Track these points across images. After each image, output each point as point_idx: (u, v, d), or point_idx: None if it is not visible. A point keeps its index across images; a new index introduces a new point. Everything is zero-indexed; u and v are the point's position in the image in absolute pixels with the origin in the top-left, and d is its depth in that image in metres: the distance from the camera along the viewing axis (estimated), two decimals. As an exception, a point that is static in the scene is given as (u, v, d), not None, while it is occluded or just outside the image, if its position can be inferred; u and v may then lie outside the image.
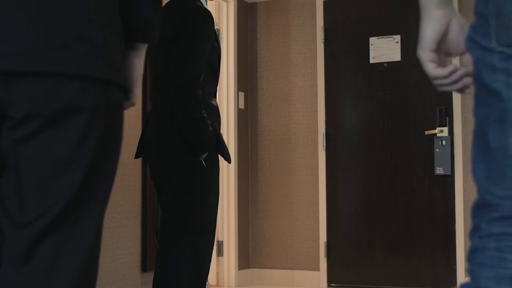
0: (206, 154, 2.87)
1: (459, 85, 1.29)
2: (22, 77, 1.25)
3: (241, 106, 5.51)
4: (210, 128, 2.85)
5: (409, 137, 5.10)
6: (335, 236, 5.28)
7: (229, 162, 3.00)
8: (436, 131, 4.97)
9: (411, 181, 5.07)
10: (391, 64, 5.19)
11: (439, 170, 4.97)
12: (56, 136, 1.29)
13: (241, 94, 5.52)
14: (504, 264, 1.14)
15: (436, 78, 1.28)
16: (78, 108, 1.28)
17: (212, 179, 2.93)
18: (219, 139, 2.92)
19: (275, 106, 5.57)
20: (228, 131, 5.34)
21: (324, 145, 5.34)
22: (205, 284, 2.92)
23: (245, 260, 5.46)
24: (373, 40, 5.24)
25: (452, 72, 1.27)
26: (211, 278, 5.26)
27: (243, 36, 5.61)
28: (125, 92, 1.41)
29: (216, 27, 5.42)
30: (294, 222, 5.41)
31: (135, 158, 3.12)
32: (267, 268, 5.47)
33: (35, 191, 1.30)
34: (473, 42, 1.18)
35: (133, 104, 1.46)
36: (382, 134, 5.19)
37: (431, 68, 1.26)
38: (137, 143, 3.06)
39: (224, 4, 5.44)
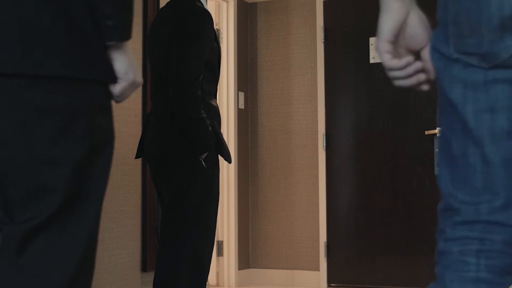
0: (205, 154, 2.87)
1: (414, 79, 1.29)
2: None
3: (241, 106, 5.51)
4: (210, 128, 2.86)
5: (409, 137, 5.10)
6: (335, 236, 5.28)
7: (229, 162, 3.00)
8: (436, 131, 4.97)
9: (411, 181, 5.07)
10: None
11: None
12: (32, 136, 1.29)
13: (241, 94, 5.52)
14: (467, 268, 1.17)
15: (391, 69, 1.28)
16: (49, 108, 1.29)
17: (212, 179, 2.93)
18: (219, 139, 2.92)
19: (275, 106, 5.57)
20: (228, 131, 5.34)
21: (324, 145, 5.34)
22: (205, 284, 2.92)
23: (245, 260, 5.46)
24: (373, 40, 5.24)
25: (408, 64, 1.27)
26: (211, 278, 5.26)
27: (243, 36, 5.61)
28: (108, 88, 1.41)
29: (216, 27, 5.42)
30: (294, 222, 5.41)
31: (136, 158, 3.13)
32: (267, 268, 5.47)
33: (21, 192, 1.30)
34: (434, 50, 1.20)
35: (121, 99, 1.46)
36: (382, 134, 5.19)
37: (387, 58, 1.27)
38: (137, 143, 3.06)
39: (224, 4, 5.44)
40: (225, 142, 2.99)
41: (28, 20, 1.28)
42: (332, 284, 5.27)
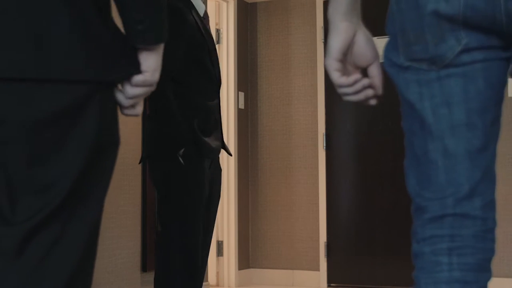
0: (182, 150, 2.85)
1: (362, 95, 1.36)
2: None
3: (241, 106, 5.51)
4: (183, 125, 2.84)
5: (409, 137, 5.10)
6: (335, 236, 5.28)
7: (209, 157, 2.93)
8: (436, 131, 4.97)
9: (411, 181, 5.06)
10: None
11: (439, 170, 4.97)
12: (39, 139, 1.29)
13: (241, 94, 5.52)
14: (439, 268, 1.19)
15: (341, 86, 1.34)
16: (57, 110, 1.29)
17: (193, 175, 2.89)
18: (195, 135, 2.87)
19: (275, 106, 5.57)
20: (228, 131, 5.34)
21: (324, 145, 5.34)
22: (200, 283, 2.91)
23: (245, 260, 5.46)
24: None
25: (356, 81, 1.34)
26: (211, 278, 5.26)
27: (243, 36, 5.61)
28: (114, 89, 1.40)
29: (216, 27, 5.42)
30: (294, 222, 5.41)
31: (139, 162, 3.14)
32: (267, 268, 5.47)
33: (26, 192, 1.30)
34: (388, 59, 1.27)
35: (136, 94, 1.42)
36: (382, 134, 5.19)
37: (336, 76, 1.33)
38: (137, 143, 3.06)
39: (224, 4, 5.44)
40: (215, 139, 2.94)
41: (41, 21, 1.28)
42: (332, 284, 5.27)
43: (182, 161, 2.83)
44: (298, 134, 5.47)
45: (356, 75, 1.34)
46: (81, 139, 1.31)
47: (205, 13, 3.10)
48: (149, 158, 2.94)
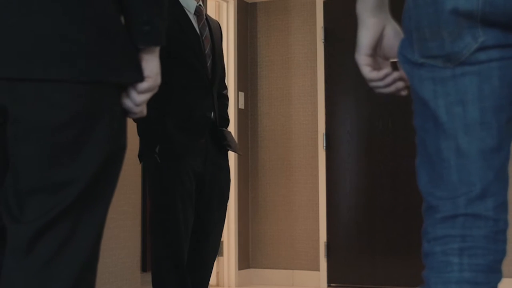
0: (157, 147, 2.85)
1: (392, 88, 1.38)
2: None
3: (241, 106, 5.51)
4: (154, 124, 2.84)
5: (409, 137, 5.10)
6: (335, 236, 5.28)
7: (184, 156, 2.90)
8: (436, 131, 4.97)
9: (411, 181, 5.06)
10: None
11: (439, 170, 4.97)
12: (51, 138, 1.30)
13: (241, 94, 5.52)
14: (450, 268, 1.18)
15: (371, 80, 1.37)
16: (72, 112, 1.29)
17: (166, 173, 2.86)
18: (165, 132, 2.85)
19: (275, 106, 5.57)
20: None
21: (324, 145, 5.34)
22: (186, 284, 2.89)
23: (245, 260, 5.46)
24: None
25: (386, 75, 1.36)
26: (211, 278, 5.25)
27: (243, 36, 5.61)
28: (121, 92, 1.41)
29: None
30: (294, 222, 5.41)
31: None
32: (267, 268, 5.47)
33: (36, 191, 1.30)
34: (402, 55, 1.28)
35: (142, 100, 1.44)
36: (382, 134, 5.19)
37: (366, 71, 1.36)
38: (138, 143, 3.05)
39: (224, 4, 5.44)
40: (186, 136, 2.90)
41: (61, 22, 1.28)
42: (332, 284, 5.27)
43: (158, 159, 2.82)
44: (298, 134, 5.47)
45: (387, 69, 1.37)
46: (95, 142, 1.32)
47: (198, 9, 3.04)
48: (138, 156, 2.98)
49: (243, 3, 5.64)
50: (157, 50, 1.42)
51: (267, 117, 5.59)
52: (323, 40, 5.40)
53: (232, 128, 5.35)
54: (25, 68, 1.26)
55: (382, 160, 5.19)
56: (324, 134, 5.36)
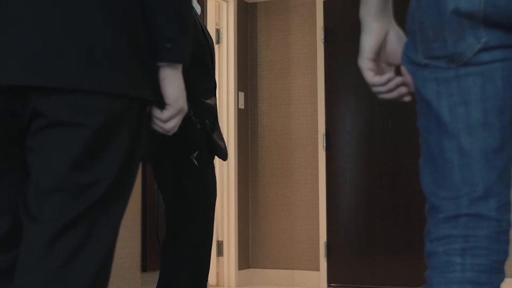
0: (196, 153, 2.86)
1: (395, 93, 1.37)
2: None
3: (241, 106, 5.51)
4: (198, 126, 2.85)
5: (409, 137, 5.10)
6: (335, 236, 5.28)
7: (224, 159, 3.00)
8: (436, 131, 4.97)
9: (411, 181, 5.07)
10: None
11: (439, 170, 4.97)
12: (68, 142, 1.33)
13: (241, 94, 5.52)
14: (452, 268, 1.18)
15: (374, 85, 1.36)
16: (94, 123, 1.32)
17: (205, 178, 2.92)
18: (209, 137, 2.90)
19: (275, 106, 5.57)
20: (228, 131, 5.34)
21: (324, 145, 5.34)
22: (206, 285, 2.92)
23: (245, 260, 5.46)
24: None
25: (389, 80, 1.35)
26: (211, 278, 5.26)
27: (243, 36, 5.61)
28: (147, 105, 1.43)
29: (216, 27, 5.42)
30: (294, 222, 5.41)
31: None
32: (267, 268, 5.47)
33: (57, 192, 1.32)
34: (406, 57, 1.27)
35: (170, 127, 1.46)
36: (382, 134, 5.19)
37: (369, 76, 1.35)
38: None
39: (224, 4, 5.44)
40: (219, 139, 2.97)
41: (86, 36, 1.29)
42: (332, 284, 5.27)
43: (196, 162, 2.84)
44: (298, 134, 5.47)
45: (389, 74, 1.36)
46: (118, 150, 1.35)
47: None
48: (154, 159, 2.94)
49: (243, 3, 5.64)
50: (179, 68, 1.42)
51: (267, 117, 5.59)
52: (323, 40, 5.40)
53: (232, 128, 5.36)
54: (58, 78, 1.28)
55: (382, 160, 5.19)
56: (324, 134, 5.36)
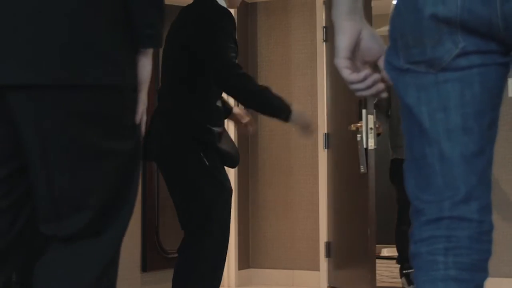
0: (203, 156, 2.87)
1: (373, 90, 1.40)
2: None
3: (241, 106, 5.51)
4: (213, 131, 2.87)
5: (409, 137, 5.10)
6: (335, 236, 5.28)
7: (233, 166, 3.01)
8: (436, 131, 4.97)
9: (411, 181, 5.06)
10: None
11: (439, 170, 4.97)
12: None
13: (241, 94, 5.51)
14: (436, 267, 1.22)
15: (352, 82, 1.40)
16: (98, 117, 1.34)
17: (219, 177, 2.92)
18: (215, 145, 2.92)
19: (275, 106, 5.56)
20: (228, 131, 5.33)
21: (324, 145, 5.34)
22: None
23: (245, 260, 5.46)
24: (373, 40, 5.24)
25: (366, 77, 1.38)
26: (211, 278, 5.26)
27: (243, 36, 5.61)
28: (130, 93, 1.44)
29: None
30: (294, 222, 5.41)
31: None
32: (267, 268, 5.47)
33: (69, 193, 1.37)
34: (388, 63, 1.31)
35: (143, 104, 1.50)
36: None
37: (346, 74, 1.39)
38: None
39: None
40: (228, 145, 2.98)
41: (74, 31, 1.31)
42: (332, 285, 5.27)
43: (206, 162, 2.84)
44: (298, 134, 5.46)
45: (366, 71, 1.39)
46: (116, 143, 1.41)
47: None
48: (159, 156, 2.93)
49: (243, 3, 5.64)
50: (151, 52, 1.45)
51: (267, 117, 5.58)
52: (323, 40, 5.40)
53: (232, 127, 5.36)
54: (53, 76, 1.30)
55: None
56: (324, 134, 5.36)
